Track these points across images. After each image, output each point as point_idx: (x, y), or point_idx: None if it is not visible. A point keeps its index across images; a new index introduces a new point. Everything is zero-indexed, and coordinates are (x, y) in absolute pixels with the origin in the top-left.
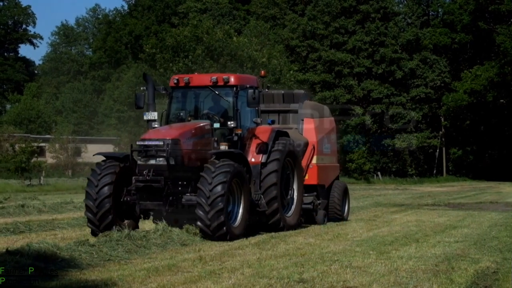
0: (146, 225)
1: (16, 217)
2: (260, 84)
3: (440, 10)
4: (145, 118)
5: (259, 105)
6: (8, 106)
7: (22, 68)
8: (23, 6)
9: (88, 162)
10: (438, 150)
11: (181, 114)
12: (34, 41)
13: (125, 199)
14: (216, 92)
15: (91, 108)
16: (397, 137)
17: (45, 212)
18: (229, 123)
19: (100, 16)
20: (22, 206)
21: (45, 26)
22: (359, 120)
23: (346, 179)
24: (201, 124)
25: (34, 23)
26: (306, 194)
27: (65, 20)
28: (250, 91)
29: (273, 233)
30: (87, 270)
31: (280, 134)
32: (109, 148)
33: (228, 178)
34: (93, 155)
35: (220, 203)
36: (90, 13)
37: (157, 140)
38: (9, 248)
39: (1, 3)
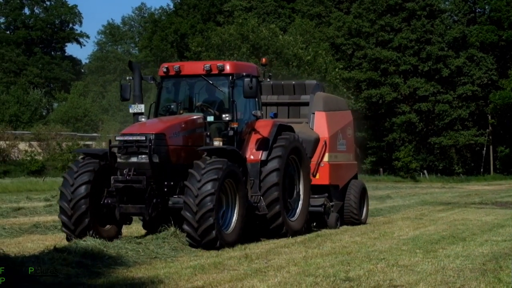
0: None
1: None
2: (261, 73)
3: (487, 7)
4: (130, 111)
5: (258, 95)
6: (55, 105)
7: (69, 67)
8: (70, 5)
9: None
10: (485, 148)
11: (172, 106)
12: (81, 40)
13: (105, 201)
14: (210, 82)
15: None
16: (443, 135)
17: None
18: (223, 116)
19: (146, 15)
20: None
21: (91, 25)
22: (405, 118)
23: (392, 177)
24: (193, 117)
25: (81, 22)
26: (316, 196)
27: (111, 19)
28: (247, 79)
29: (319, 231)
30: (134, 268)
31: (283, 129)
32: None
33: (220, 176)
34: (71, 152)
35: (209, 203)
36: (136, 12)
37: (139, 135)
38: (56, 246)
39: (48, 3)
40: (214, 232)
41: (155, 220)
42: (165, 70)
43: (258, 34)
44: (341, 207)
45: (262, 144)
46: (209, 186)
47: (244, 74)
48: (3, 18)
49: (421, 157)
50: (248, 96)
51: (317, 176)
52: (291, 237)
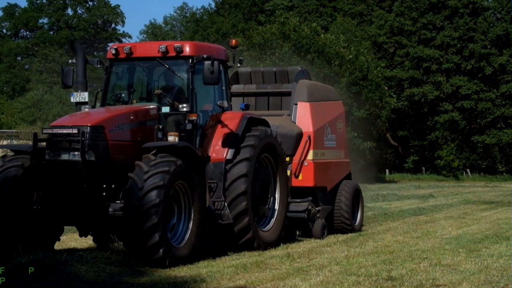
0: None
1: None
2: (230, 57)
3: None
4: (72, 100)
5: (224, 82)
6: (98, 104)
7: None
8: (112, 5)
9: None
10: None
11: (123, 95)
12: (123, 40)
13: (35, 207)
14: (166, 66)
15: None
16: (486, 133)
17: None
18: (181, 106)
19: (187, 15)
20: None
21: (133, 25)
22: (447, 117)
23: (434, 176)
24: (143, 108)
25: (123, 22)
26: (298, 200)
27: (153, 19)
28: (207, 62)
29: (360, 232)
30: (176, 267)
31: (254, 122)
32: None
33: (167, 181)
34: None
35: (154, 216)
36: (178, 11)
37: (71, 127)
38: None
39: (91, 3)
40: (161, 250)
41: (97, 229)
42: (114, 52)
43: (299, 33)
44: (330, 213)
45: (228, 140)
46: (153, 195)
47: (205, 56)
48: (47, 18)
49: (463, 155)
50: (209, 82)
51: (300, 177)
52: (264, 250)
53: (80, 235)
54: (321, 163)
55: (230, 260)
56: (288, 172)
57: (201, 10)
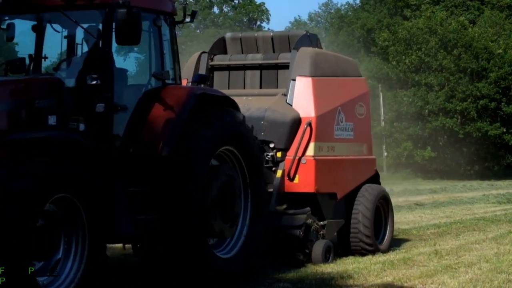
0: None
1: None
2: (176, 8)
3: None
4: None
5: (158, 43)
6: None
7: None
8: (257, 3)
9: None
10: None
11: (18, 62)
12: None
13: None
14: (72, 19)
15: None
16: None
17: None
18: (88, 78)
19: (332, 11)
20: None
21: (279, 22)
22: None
23: None
24: (32, 80)
25: (268, 19)
26: (291, 211)
27: (298, 15)
28: (121, 10)
29: (510, 228)
30: (323, 263)
31: (212, 102)
32: None
33: (37, 195)
34: None
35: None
36: (323, 8)
37: None
38: None
39: (237, 1)
40: None
41: None
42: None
43: (446, 27)
44: (342, 229)
45: (165, 128)
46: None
47: (120, 2)
48: None
49: None
50: (124, 41)
51: (296, 180)
52: (221, 285)
53: None
54: (328, 160)
55: (377, 257)
56: (279, 173)
57: (346, 6)
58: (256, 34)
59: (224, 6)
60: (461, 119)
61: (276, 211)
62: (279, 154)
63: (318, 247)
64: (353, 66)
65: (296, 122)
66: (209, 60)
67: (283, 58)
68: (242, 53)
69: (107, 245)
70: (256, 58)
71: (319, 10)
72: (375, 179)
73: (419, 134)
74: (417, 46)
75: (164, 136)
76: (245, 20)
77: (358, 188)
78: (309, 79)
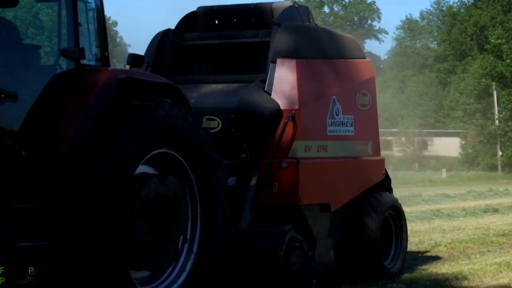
0: None
1: None
2: None
3: None
4: None
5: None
6: None
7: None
8: (368, 2)
9: (435, 155)
10: None
11: None
12: (379, 36)
13: None
14: None
15: (436, 101)
16: None
17: None
18: None
19: (444, 9)
20: None
21: (389, 21)
22: None
23: None
24: None
25: (379, 18)
26: (267, 230)
27: (409, 14)
28: None
29: None
30: (436, 264)
31: (143, 89)
32: (455, 142)
33: None
34: None
35: None
36: (434, 5)
37: None
38: None
39: (347, 0)
40: None
41: None
42: None
43: None
44: (340, 248)
45: (69, 125)
46: None
47: None
48: None
49: None
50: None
51: (275, 188)
52: None
53: None
54: (317, 163)
55: (493, 258)
56: (253, 181)
57: (458, 4)
58: (232, 6)
59: (334, 6)
60: None
61: (249, 230)
62: (254, 157)
63: (303, 273)
64: (353, 45)
65: (275, 115)
66: (176, 40)
67: (264, 36)
68: (218, 30)
69: None
70: (232, 36)
71: (431, 8)
72: (384, 185)
73: None
74: None
75: (68, 135)
76: (355, 19)
77: (362, 197)
78: (293, 61)
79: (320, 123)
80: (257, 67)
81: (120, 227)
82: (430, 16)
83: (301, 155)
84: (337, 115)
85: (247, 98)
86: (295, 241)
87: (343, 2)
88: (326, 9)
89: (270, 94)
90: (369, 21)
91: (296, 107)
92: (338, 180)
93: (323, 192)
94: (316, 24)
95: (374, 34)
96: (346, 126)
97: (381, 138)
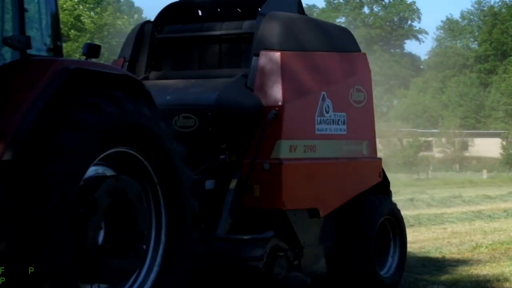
0: None
1: (406, 210)
2: None
3: None
4: None
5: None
6: (395, 102)
7: (408, 63)
8: (408, 2)
9: (475, 156)
10: None
11: None
12: (419, 36)
13: None
14: None
15: (477, 102)
16: None
17: (434, 206)
18: None
19: (485, 8)
20: (411, 199)
21: (430, 21)
22: None
23: None
24: None
25: (419, 18)
26: (247, 237)
27: (450, 14)
28: None
29: None
30: (477, 266)
31: (97, 82)
32: (496, 142)
33: None
34: None
35: None
36: (475, 5)
37: None
38: None
39: (387, 1)
40: None
41: None
42: None
43: None
44: (332, 256)
45: (10, 122)
46: None
47: None
48: (344, 18)
49: None
50: None
51: (257, 192)
52: None
53: None
54: (304, 165)
55: None
56: (233, 184)
57: (499, 3)
58: None
59: (374, 6)
60: None
61: (227, 237)
62: (233, 157)
63: (287, 285)
64: (347, 37)
65: (256, 112)
66: (155, 33)
67: (248, 27)
68: (201, 22)
69: None
70: (214, 28)
71: (472, 8)
72: (382, 188)
73: None
74: None
75: (7, 135)
76: (395, 19)
77: (356, 201)
78: (277, 54)
79: (308, 121)
80: (241, 61)
81: (67, 236)
82: (471, 16)
83: (285, 156)
84: (327, 112)
85: (226, 94)
86: (278, 250)
87: (383, 3)
88: (366, 9)
89: (252, 90)
90: (409, 22)
91: (280, 103)
92: (328, 183)
93: (311, 196)
94: (307, 15)
95: (414, 34)
96: (338, 124)
97: (421, 139)
